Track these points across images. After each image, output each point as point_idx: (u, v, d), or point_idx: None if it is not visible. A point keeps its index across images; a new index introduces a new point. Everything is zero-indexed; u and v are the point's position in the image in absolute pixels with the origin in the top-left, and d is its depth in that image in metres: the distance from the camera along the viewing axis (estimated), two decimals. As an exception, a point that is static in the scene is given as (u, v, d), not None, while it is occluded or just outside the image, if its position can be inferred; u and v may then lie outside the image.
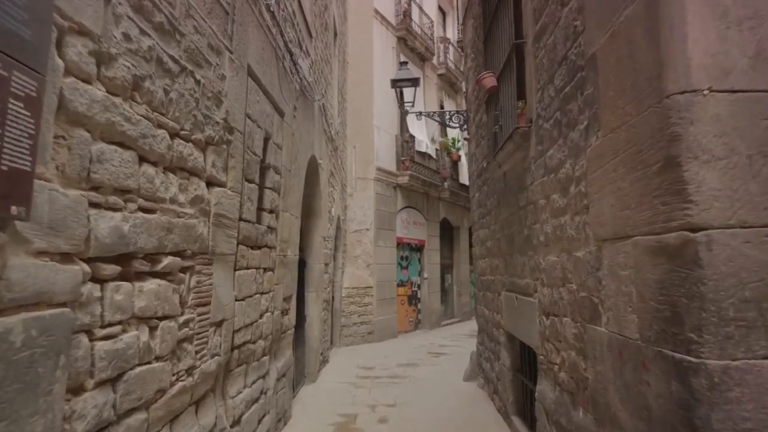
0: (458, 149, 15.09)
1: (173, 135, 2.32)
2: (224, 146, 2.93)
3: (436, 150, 13.97)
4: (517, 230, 4.05)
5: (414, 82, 7.40)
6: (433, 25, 14.71)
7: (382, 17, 12.32)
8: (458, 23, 13.27)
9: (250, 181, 3.46)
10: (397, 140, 12.49)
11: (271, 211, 4.06)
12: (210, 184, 2.77)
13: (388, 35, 12.59)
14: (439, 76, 15.27)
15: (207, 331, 2.74)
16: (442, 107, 15.60)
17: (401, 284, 12.85)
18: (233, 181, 3.07)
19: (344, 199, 10.75)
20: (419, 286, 13.77)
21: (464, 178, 15.47)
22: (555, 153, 2.96)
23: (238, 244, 3.23)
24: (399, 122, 12.89)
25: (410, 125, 12.72)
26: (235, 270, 3.19)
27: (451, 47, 15.62)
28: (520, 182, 3.93)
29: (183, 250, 2.43)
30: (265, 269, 3.92)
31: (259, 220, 3.79)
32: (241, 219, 3.27)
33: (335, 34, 8.98)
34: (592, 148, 2.36)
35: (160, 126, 2.18)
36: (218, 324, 2.90)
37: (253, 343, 3.66)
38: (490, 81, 4.27)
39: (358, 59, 11.76)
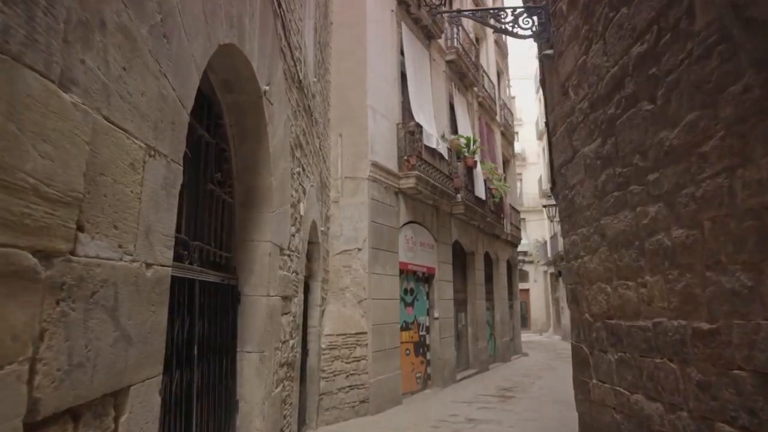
0: (474, 153, 11.86)
1: None
2: None
3: (448, 149, 10.74)
4: None
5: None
6: (440, -4, 11.74)
7: (378, -30, 9.30)
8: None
9: None
10: (398, 130, 9.25)
11: None
12: None
13: (386, -5, 9.55)
14: (448, 63, 12.23)
15: None
16: (451, 103, 12.48)
17: (406, 327, 9.37)
18: None
19: (325, 205, 7.40)
20: (428, 329, 10.30)
21: (480, 190, 12.25)
22: None
23: None
24: (401, 107, 9.69)
25: (416, 113, 9.52)
26: None
27: (461, 29, 12.65)
28: None
29: None
30: None
31: None
32: None
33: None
34: None
35: None
36: None
37: None
38: None
39: (345, 20, 8.65)
